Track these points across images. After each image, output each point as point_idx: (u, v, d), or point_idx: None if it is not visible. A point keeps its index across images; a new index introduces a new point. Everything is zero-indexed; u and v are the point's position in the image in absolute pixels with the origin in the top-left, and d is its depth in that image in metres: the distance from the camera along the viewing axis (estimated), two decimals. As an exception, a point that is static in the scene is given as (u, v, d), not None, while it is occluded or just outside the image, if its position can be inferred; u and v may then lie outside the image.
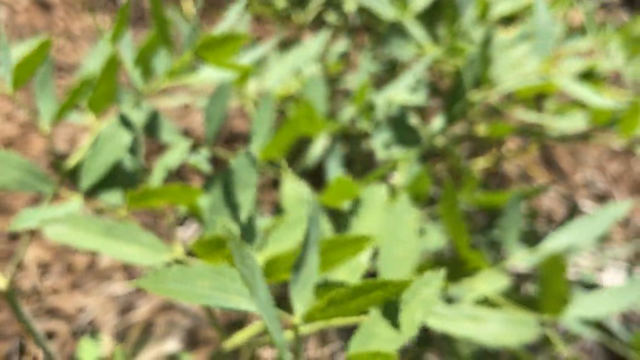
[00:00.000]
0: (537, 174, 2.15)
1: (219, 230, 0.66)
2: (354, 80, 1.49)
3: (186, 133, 1.91)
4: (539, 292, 1.08)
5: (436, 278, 0.87)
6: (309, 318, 0.79)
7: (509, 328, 0.99)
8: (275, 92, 1.58)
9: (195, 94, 1.82)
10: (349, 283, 0.96)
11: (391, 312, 0.85)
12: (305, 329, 0.97)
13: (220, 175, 0.97)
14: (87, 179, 1.04)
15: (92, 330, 1.51)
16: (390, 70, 1.70)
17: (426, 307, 0.84)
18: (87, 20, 2.09)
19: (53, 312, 1.53)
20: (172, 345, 1.53)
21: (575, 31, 1.78)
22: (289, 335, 0.86)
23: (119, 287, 1.57)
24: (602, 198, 2.17)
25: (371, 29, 1.90)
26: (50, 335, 1.49)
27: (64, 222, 0.90)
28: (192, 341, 1.55)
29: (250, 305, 0.74)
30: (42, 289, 1.55)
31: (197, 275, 0.74)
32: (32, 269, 1.57)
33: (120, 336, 1.52)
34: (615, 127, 1.53)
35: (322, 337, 1.63)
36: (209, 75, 1.13)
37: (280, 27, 1.98)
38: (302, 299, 0.81)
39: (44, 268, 1.58)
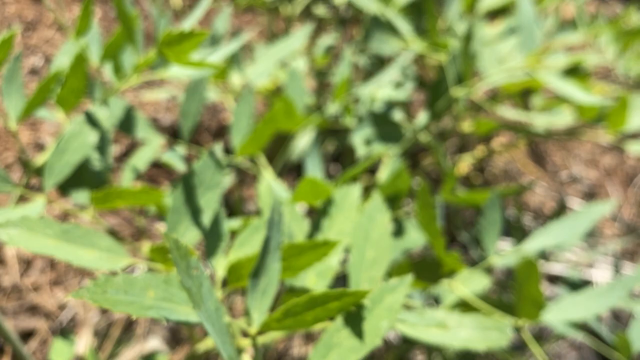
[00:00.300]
0: (527, 170, 2.11)
1: (165, 237, 0.62)
2: (335, 77, 1.44)
3: (173, 126, 1.88)
4: (515, 295, 1.04)
5: (402, 284, 0.83)
6: (265, 328, 0.75)
7: (481, 333, 0.95)
8: (262, 85, 1.54)
9: (184, 87, 1.78)
10: (309, 291, 0.91)
11: (354, 321, 0.81)
12: (264, 338, 0.93)
13: (183, 177, 0.92)
14: (51, 179, 1.00)
15: (72, 328, 1.48)
16: (378, 64, 1.65)
17: (391, 315, 0.80)
18: (77, 12, 2.05)
19: (34, 310, 1.49)
20: (153, 343, 1.49)
21: (567, 24, 1.73)
22: (246, 343, 0.82)
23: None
24: (591, 194, 2.13)
25: (361, 22, 1.86)
26: (31, 333, 1.46)
27: (17, 225, 0.86)
28: (174, 339, 1.51)
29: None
30: (23, 286, 1.51)
31: (144, 284, 0.70)
32: (14, 266, 1.53)
33: (102, 334, 1.48)
34: (602, 123, 1.48)
35: (307, 335, 1.59)
36: (179, 71, 1.09)
37: (269, 19, 1.94)
38: (260, 309, 0.77)
39: (25, 265, 1.54)
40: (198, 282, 0.64)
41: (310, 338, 1.60)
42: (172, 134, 1.85)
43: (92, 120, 1.04)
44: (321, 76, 1.75)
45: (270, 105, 1.58)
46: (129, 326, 1.51)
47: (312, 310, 0.72)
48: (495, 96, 1.64)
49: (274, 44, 1.50)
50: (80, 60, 1.00)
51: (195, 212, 0.91)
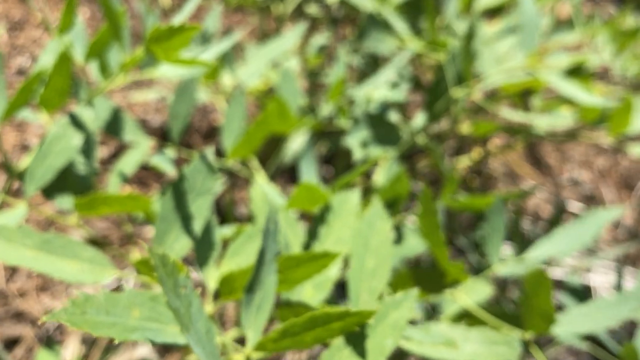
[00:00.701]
0: (524, 172, 2.05)
1: (150, 252, 0.54)
2: (330, 76, 1.37)
3: (163, 127, 1.81)
4: (523, 307, 0.96)
5: (407, 299, 0.76)
6: (261, 348, 0.67)
7: (488, 348, 0.88)
8: (253, 85, 1.47)
9: (174, 87, 1.72)
10: (306, 306, 0.83)
11: (357, 339, 0.74)
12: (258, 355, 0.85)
13: (172, 183, 0.85)
14: (33, 185, 0.92)
15: (59, 335, 1.41)
16: (373, 64, 1.58)
17: (396, 332, 0.73)
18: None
19: (19, 316, 1.43)
20: (143, 350, 1.43)
21: (562, 25, 1.67)
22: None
23: (89, 289, 1.46)
24: (589, 197, 2.07)
25: (354, 21, 1.80)
26: (16, 340, 1.39)
27: (-6, 235, 0.78)
28: (164, 347, 1.45)
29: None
30: (9, 292, 1.45)
31: (128, 303, 0.62)
32: (-1, 271, 1.47)
33: (89, 341, 1.42)
34: (604, 125, 1.42)
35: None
36: (169, 70, 1.01)
37: (261, 19, 1.87)
38: (255, 326, 0.69)
39: (11, 270, 1.48)
40: (187, 301, 0.57)
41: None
42: (162, 136, 1.78)
43: (76, 122, 0.96)
44: (313, 76, 1.68)
45: (262, 107, 1.51)
46: (118, 333, 1.44)
47: (312, 330, 0.64)
48: (493, 97, 1.58)
49: (266, 44, 1.43)
50: (64, 58, 0.93)
51: (185, 220, 0.84)
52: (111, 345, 1.41)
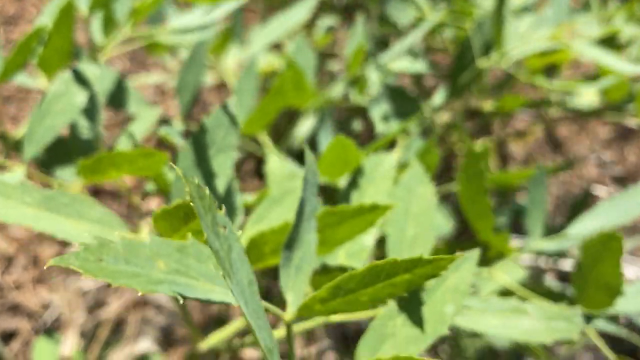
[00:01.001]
0: (540, 158, 1.95)
1: (185, 180, 0.42)
2: (348, 47, 1.26)
3: (160, 120, 1.71)
4: (578, 281, 0.84)
5: (468, 260, 0.63)
6: (305, 312, 0.55)
7: (546, 324, 0.76)
8: (258, 65, 1.35)
9: (171, 74, 1.61)
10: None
11: (411, 305, 0.62)
12: (300, 326, 0.73)
13: (192, 137, 0.72)
14: (32, 147, 0.81)
15: (57, 329, 1.31)
16: (382, 46, 1.48)
17: (458, 298, 0.62)
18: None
19: (16, 309, 1.36)
20: (145, 344, 1.35)
21: (575, 10, 1.58)
22: (278, 333, 0.62)
23: (88, 282, 1.36)
24: (619, 180, 1.97)
25: (360, 6, 1.70)
26: (13, 333, 1.33)
27: (-11, 192, 0.66)
28: (167, 340, 1.36)
29: (225, 294, 0.50)
30: (5, 284, 1.37)
31: (151, 253, 0.50)
32: (-6, 263, 1.37)
33: (88, 335, 1.33)
34: (630, 105, 1.32)
35: (308, 335, 1.42)
36: (180, 22, 0.89)
37: (263, 8, 1.77)
38: (296, 288, 0.57)
39: (7, 261, 1.40)
40: (227, 244, 0.45)
41: (312, 339, 1.42)
42: (161, 128, 1.69)
43: (80, 79, 0.84)
44: (321, 59, 1.57)
45: (267, 90, 1.41)
46: (118, 327, 1.35)
47: (371, 286, 0.52)
48: (518, 71, 1.48)
49: (274, 18, 1.31)
50: (67, 10, 0.81)
51: (207, 177, 0.71)
52: (111, 339, 1.31)
